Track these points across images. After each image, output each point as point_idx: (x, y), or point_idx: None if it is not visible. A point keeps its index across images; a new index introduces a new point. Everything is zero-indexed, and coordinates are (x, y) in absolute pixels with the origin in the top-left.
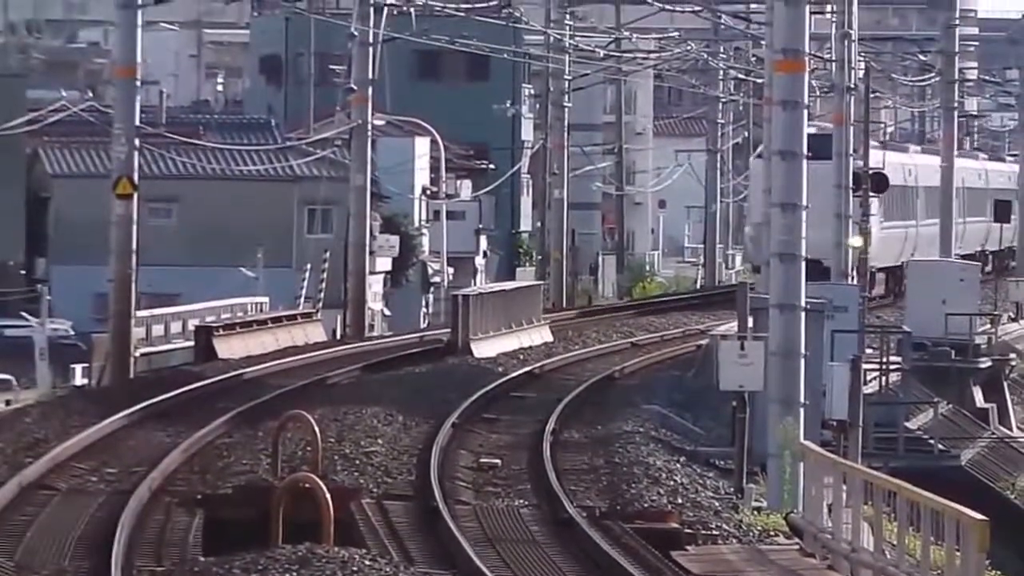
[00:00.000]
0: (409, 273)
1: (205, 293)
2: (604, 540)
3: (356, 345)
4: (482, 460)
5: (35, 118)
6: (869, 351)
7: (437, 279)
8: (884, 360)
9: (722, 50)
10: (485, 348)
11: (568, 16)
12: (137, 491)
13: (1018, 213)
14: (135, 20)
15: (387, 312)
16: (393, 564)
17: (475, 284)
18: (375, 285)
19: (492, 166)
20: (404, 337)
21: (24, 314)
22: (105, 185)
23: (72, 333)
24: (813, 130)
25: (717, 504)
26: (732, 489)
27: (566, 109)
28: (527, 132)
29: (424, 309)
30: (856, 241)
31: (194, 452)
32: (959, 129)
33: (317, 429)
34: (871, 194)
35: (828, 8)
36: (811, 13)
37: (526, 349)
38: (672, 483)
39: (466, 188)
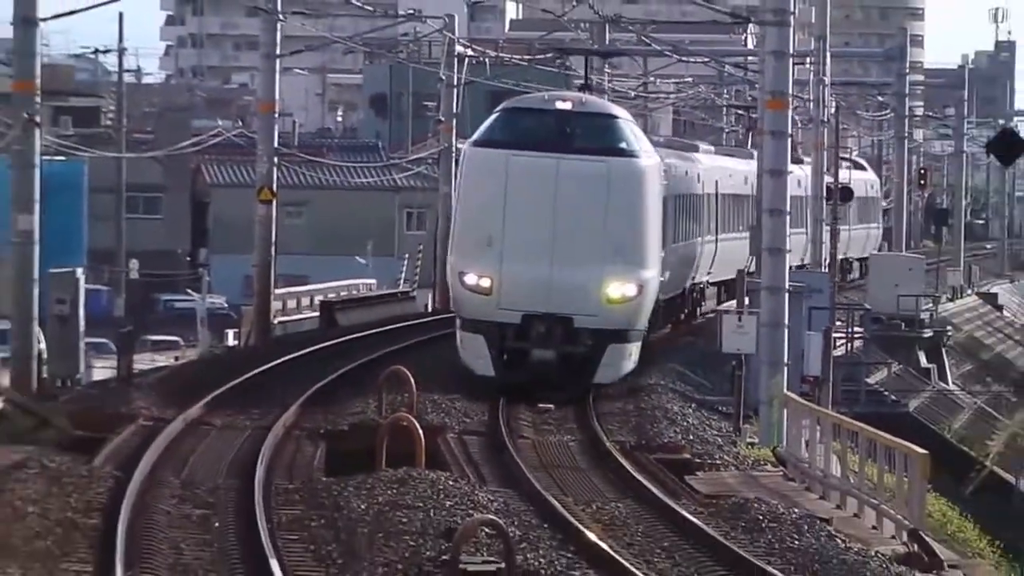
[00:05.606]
0: None
1: (327, 276)
2: (633, 467)
3: (444, 316)
4: (539, 405)
5: (198, 142)
6: (838, 323)
7: None
8: (849, 330)
9: (725, 91)
10: None
11: (606, 65)
12: (274, 427)
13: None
14: (275, 67)
15: None
16: (470, 483)
17: None
18: None
19: None
20: None
21: (189, 290)
22: (251, 193)
23: (226, 306)
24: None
25: (720, 440)
26: (732, 429)
27: None
28: None
29: None
30: None
31: (318, 399)
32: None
33: (413, 381)
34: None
35: (807, 60)
36: (794, 64)
37: None
38: (685, 424)
39: None
